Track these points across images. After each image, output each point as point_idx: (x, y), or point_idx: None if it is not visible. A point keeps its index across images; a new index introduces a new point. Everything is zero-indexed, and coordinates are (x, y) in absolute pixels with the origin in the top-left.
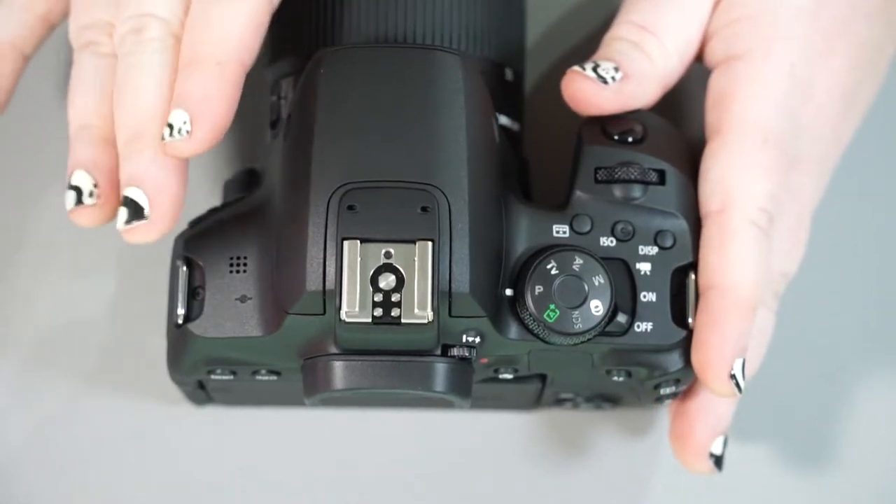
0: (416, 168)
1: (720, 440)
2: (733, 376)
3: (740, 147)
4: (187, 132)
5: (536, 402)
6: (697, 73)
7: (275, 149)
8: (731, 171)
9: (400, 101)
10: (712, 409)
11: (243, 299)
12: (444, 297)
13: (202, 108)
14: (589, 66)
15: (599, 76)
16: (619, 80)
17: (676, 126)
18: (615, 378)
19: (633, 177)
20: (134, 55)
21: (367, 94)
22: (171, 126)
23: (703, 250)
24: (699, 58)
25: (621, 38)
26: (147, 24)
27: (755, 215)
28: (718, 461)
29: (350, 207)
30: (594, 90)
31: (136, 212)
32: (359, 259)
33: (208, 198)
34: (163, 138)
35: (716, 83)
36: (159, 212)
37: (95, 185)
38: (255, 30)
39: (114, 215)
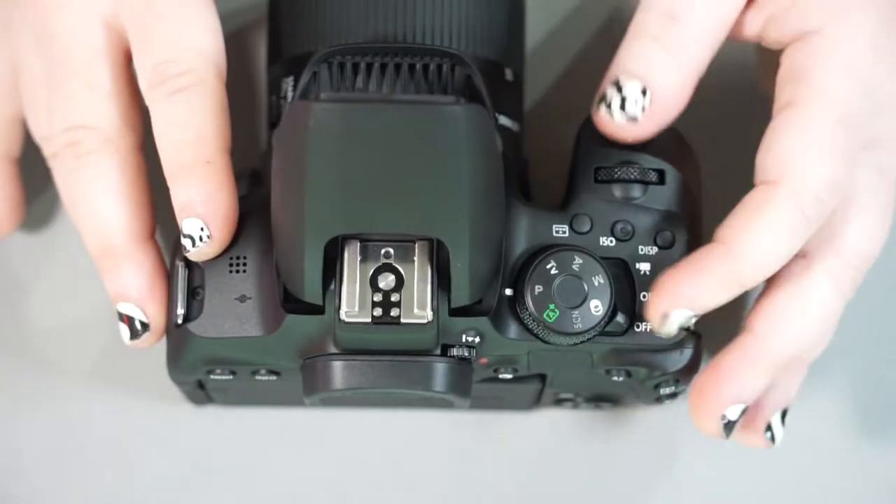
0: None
1: (738, 408)
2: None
3: (813, 124)
4: (208, 236)
5: (536, 402)
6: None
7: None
8: (797, 145)
9: (395, 165)
10: (743, 375)
11: (243, 299)
12: (443, 296)
13: (211, 208)
14: (616, 102)
15: (629, 116)
16: (648, 106)
17: (676, 126)
18: (615, 378)
19: (632, 177)
20: (79, 171)
21: (360, 157)
22: (189, 237)
23: (734, 210)
24: (746, 36)
25: (645, 34)
26: (83, 138)
27: (806, 201)
28: (729, 427)
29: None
30: (630, 131)
31: (133, 327)
32: (358, 259)
33: None
34: (186, 250)
35: (791, 59)
36: (155, 321)
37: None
38: (225, 116)
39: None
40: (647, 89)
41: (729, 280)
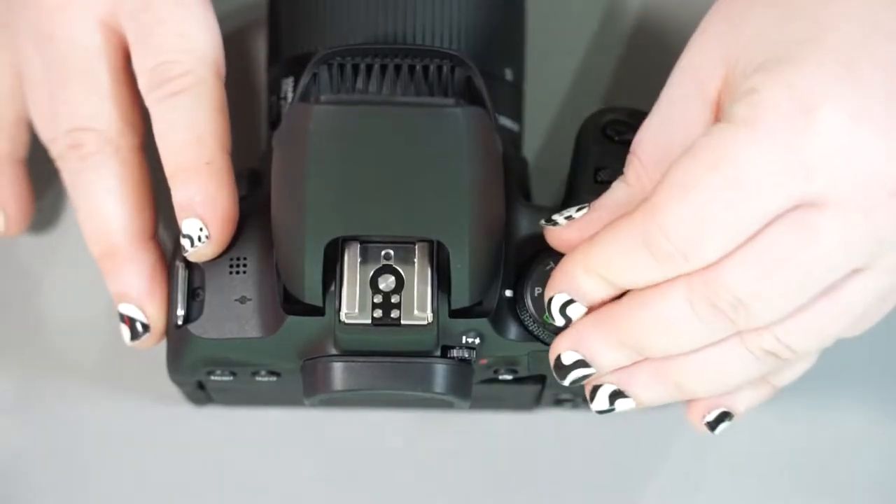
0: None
1: (572, 355)
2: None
3: (705, 161)
4: (206, 236)
5: (536, 403)
6: None
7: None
8: (676, 173)
9: (394, 166)
10: (580, 326)
11: (243, 300)
12: (443, 298)
13: (210, 209)
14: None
15: (553, 221)
16: (581, 213)
17: None
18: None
19: None
20: (82, 173)
21: (360, 159)
22: (188, 236)
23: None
24: None
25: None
26: (84, 140)
27: (652, 234)
28: (560, 367)
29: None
30: (550, 233)
31: (133, 328)
32: (358, 260)
33: None
34: (185, 250)
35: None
36: (155, 322)
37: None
38: (224, 117)
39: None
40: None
41: (588, 270)
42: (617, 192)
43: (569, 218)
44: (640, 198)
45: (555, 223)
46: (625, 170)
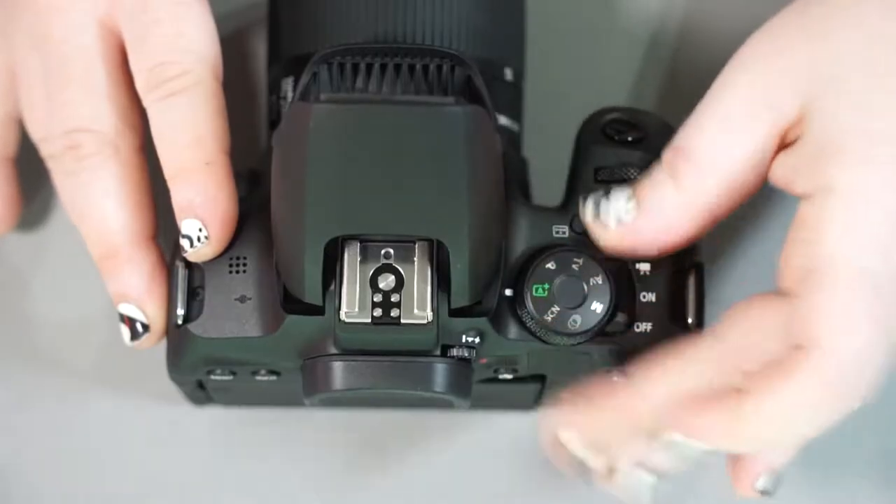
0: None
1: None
2: None
3: (839, 294)
4: (206, 237)
5: (536, 402)
6: (698, 69)
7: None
8: (826, 319)
9: (394, 164)
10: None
11: (243, 299)
12: (443, 297)
13: (210, 210)
14: (604, 206)
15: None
16: (630, 217)
17: (678, 126)
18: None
19: (632, 177)
20: (78, 174)
21: (360, 158)
22: (188, 237)
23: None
24: (777, 184)
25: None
26: (82, 141)
27: (834, 375)
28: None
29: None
30: (599, 233)
31: (133, 328)
32: (358, 259)
33: None
34: (184, 250)
35: (806, 214)
36: (155, 322)
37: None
38: (223, 117)
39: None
40: (636, 199)
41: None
42: (665, 193)
43: (620, 219)
44: (689, 207)
45: (600, 220)
46: (671, 166)
